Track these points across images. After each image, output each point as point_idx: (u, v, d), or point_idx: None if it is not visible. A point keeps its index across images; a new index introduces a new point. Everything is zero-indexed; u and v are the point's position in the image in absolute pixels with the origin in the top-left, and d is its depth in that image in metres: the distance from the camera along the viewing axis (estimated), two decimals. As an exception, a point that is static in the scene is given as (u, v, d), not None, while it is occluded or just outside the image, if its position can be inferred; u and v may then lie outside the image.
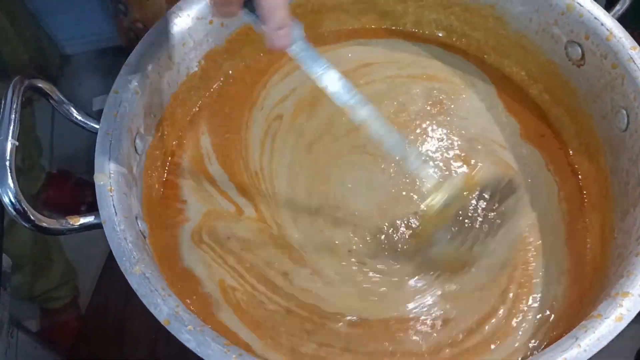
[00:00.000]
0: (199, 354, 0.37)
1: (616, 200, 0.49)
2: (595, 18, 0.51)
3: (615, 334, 0.36)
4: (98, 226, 0.44)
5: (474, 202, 0.46)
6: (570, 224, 0.52)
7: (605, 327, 0.36)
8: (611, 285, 0.40)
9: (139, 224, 0.46)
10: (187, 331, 0.38)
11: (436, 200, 0.45)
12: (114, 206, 0.44)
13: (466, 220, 0.46)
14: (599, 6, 0.51)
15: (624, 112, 0.49)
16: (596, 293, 0.44)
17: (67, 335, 0.77)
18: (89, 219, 0.44)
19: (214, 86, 0.60)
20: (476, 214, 0.46)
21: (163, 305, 0.39)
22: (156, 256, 0.47)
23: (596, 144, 0.53)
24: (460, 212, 0.46)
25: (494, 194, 0.46)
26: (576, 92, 0.54)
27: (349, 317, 0.47)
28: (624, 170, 0.48)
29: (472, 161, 0.55)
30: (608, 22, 0.50)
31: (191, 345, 0.37)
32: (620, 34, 0.49)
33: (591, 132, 0.53)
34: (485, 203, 0.46)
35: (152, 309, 0.39)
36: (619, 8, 0.53)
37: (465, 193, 0.45)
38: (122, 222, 0.43)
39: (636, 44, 0.48)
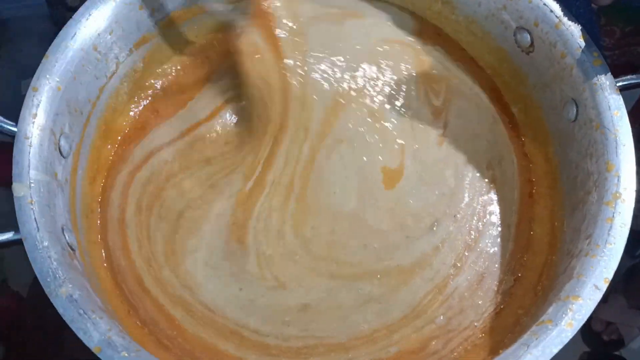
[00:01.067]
0: (134, 384, 0.34)
1: (566, 194, 0.48)
2: (544, 4, 0.49)
3: (566, 341, 0.36)
4: (18, 242, 0.40)
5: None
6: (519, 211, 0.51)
7: (556, 334, 0.36)
8: (560, 287, 0.40)
9: (66, 236, 0.42)
10: (120, 358, 0.35)
11: None
12: (35, 220, 0.40)
13: None
14: (548, -9, 0.49)
15: (574, 102, 0.48)
16: (544, 292, 0.43)
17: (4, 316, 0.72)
18: (7, 236, 0.40)
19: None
20: None
21: (93, 331, 0.36)
22: (88, 271, 0.43)
23: (545, 134, 0.52)
24: None
25: None
26: (526, 80, 0.53)
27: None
28: (573, 164, 0.48)
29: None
30: (557, 9, 0.48)
31: (125, 374, 0.35)
32: (569, 22, 0.48)
33: (540, 121, 0.52)
34: None
35: (81, 336, 0.36)
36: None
37: None
38: (45, 238, 0.39)
39: (585, 33, 0.47)
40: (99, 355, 0.35)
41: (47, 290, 0.37)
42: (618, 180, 0.42)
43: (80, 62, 0.48)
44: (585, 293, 0.37)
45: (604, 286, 0.38)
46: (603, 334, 0.76)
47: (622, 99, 0.45)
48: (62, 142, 0.46)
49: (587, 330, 0.75)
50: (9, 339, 0.68)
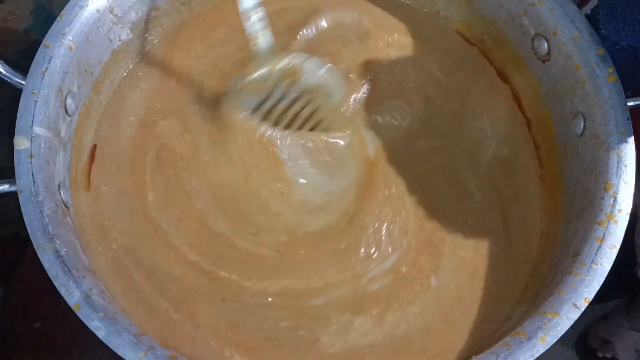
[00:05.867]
0: (108, 345, 0.35)
1: (565, 209, 0.47)
2: (566, 14, 0.48)
3: (537, 355, 0.36)
4: (13, 194, 0.40)
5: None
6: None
7: (528, 348, 0.36)
8: (540, 300, 0.39)
9: (62, 193, 0.43)
10: (97, 318, 0.36)
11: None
12: (32, 175, 0.41)
13: None
14: (571, 2, 0.48)
15: (582, 117, 0.47)
16: (525, 302, 0.43)
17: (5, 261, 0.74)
18: (3, 187, 0.40)
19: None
20: None
21: (75, 289, 0.37)
22: (80, 229, 0.44)
23: (552, 144, 0.51)
24: None
25: None
26: (538, 88, 0.52)
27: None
28: (574, 178, 0.47)
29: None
30: (579, 20, 0.47)
31: (101, 334, 0.35)
32: (588, 36, 0.47)
33: (548, 131, 0.51)
34: None
35: (62, 292, 0.37)
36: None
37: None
38: (40, 193, 0.40)
39: (603, 48, 0.46)
40: (78, 313, 0.36)
41: (35, 245, 0.38)
42: (614, 201, 0.41)
43: (96, 24, 0.48)
44: (563, 310, 0.37)
45: (583, 305, 0.38)
46: (598, 351, 0.76)
47: (630, 119, 0.44)
48: (69, 101, 0.46)
49: (582, 346, 0.75)
50: (9, 282, 0.70)
